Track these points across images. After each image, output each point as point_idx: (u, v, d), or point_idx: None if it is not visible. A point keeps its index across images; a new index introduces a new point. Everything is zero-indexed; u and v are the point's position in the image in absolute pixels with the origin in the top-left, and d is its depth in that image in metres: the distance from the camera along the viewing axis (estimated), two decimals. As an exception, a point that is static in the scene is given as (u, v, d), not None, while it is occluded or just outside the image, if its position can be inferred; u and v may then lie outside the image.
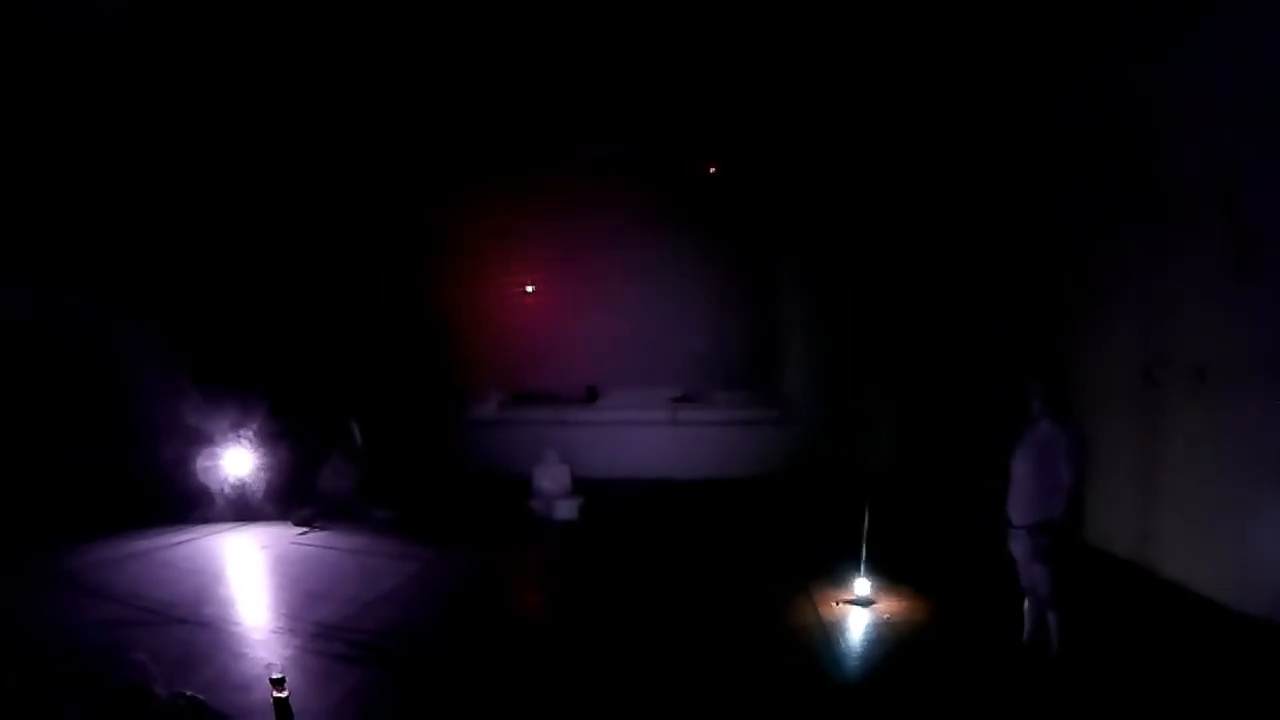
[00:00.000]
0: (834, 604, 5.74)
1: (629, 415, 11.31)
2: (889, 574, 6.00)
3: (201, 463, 8.70)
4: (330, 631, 5.36)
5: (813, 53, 9.19)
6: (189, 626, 5.46)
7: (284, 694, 3.68)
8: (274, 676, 3.73)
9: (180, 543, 7.74)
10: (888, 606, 5.68)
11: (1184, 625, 5.19)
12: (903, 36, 8.47)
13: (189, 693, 4.12)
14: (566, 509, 8.83)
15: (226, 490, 8.78)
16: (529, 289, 12.50)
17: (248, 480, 8.89)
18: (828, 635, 5.22)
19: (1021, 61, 7.54)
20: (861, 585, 5.78)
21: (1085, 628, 4.66)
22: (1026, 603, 4.73)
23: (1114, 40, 6.41)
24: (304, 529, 8.32)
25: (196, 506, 8.56)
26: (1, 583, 6.26)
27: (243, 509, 8.76)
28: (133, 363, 9.11)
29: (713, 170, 11.49)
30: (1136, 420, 6.33)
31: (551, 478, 9.11)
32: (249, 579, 6.75)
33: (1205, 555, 5.51)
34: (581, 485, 9.25)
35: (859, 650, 5.00)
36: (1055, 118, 7.44)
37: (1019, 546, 4.62)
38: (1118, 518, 6.50)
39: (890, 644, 5.08)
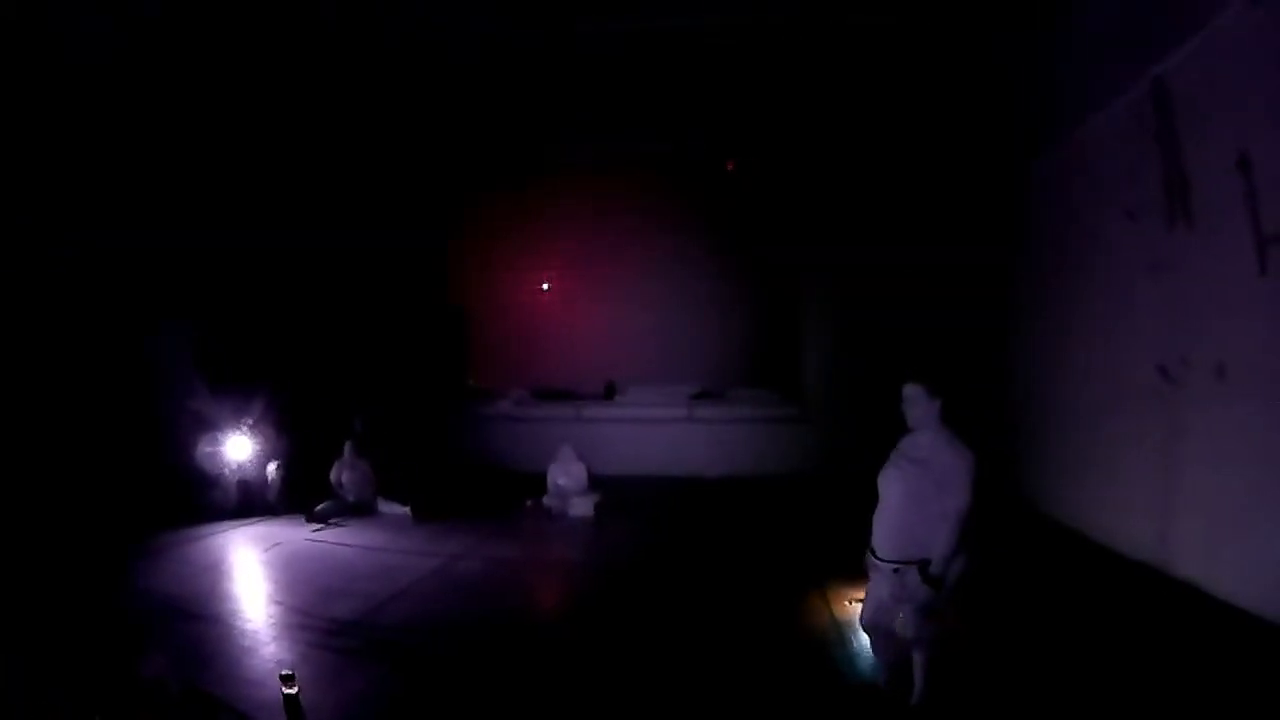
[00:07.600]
0: (848, 603, 5.72)
1: (648, 412, 11.33)
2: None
3: (214, 458, 8.87)
4: (345, 629, 5.45)
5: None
6: (202, 622, 5.55)
7: (294, 690, 3.76)
8: (283, 673, 3.81)
9: (196, 539, 7.87)
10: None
11: (1202, 629, 5.10)
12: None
13: (202, 689, 4.20)
14: (582, 506, 8.87)
15: (241, 485, 8.94)
16: (545, 286, 12.59)
17: (260, 475, 9.04)
18: (840, 634, 5.23)
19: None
20: (876, 584, 5.75)
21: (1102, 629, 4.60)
22: (877, 644, 4.24)
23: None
24: (319, 525, 8.40)
25: (213, 502, 8.72)
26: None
27: (257, 505, 8.91)
28: (164, 359, 9.21)
29: (730, 166, 11.48)
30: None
31: (568, 474, 9.16)
32: (263, 575, 6.86)
33: (1225, 557, 5.37)
34: (600, 482, 9.31)
35: (869, 649, 4.98)
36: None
37: (881, 583, 3.93)
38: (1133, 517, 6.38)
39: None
